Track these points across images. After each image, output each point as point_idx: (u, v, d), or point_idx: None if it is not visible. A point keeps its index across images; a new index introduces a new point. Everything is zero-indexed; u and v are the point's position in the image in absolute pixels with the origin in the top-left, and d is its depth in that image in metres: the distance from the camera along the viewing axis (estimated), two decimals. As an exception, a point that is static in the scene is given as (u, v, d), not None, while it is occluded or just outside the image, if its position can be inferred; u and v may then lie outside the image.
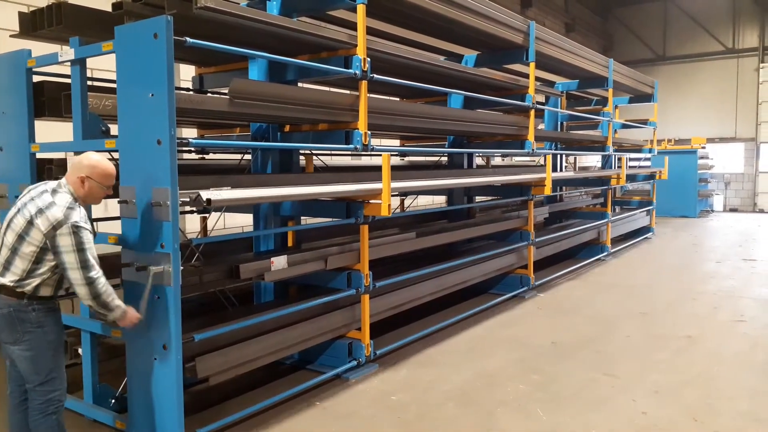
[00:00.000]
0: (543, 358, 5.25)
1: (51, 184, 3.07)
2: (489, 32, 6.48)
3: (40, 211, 2.91)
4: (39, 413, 3.02)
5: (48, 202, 2.94)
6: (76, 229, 2.89)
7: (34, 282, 2.94)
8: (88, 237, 2.94)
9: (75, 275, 2.91)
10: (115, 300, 3.04)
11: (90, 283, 2.92)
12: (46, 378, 3.00)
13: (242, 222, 8.15)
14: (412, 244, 5.87)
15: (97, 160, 3.09)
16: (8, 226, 3.00)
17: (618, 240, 11.70)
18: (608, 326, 6.24)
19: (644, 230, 13.03)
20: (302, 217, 5.58)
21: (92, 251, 2.96)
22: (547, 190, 7.32)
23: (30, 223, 2.92)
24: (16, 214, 2.99)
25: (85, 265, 2.91)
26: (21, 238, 2.93)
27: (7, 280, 2.94)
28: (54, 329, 3.06)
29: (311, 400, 4.29)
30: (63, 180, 3.07)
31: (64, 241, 2.88)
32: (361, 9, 4.60)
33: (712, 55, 21.03)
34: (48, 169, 4.02)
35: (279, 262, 4.33)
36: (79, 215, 2.94)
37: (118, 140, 3.48)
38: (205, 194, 3.31)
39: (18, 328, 2.95)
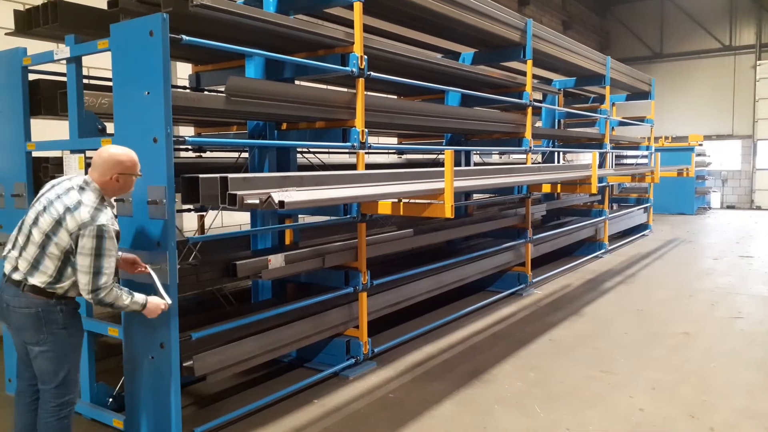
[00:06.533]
0: (540, 355, 5.26)
1: (76, 180, 2.97)
2: (486, 30, 6.48)
3: (68, 210, 2.82)
4: (51, 416, 2.94)
5: (76, 200, 2.85)
6: (100, 233, 2.80)
7: (66, 284, 2.88)
8: (110, 244, 2.84)
9: (83, 279, 2.81)
10: (124, 301, 2.93)
11: (94, 291, 2.82)
12: (63, 380, 2.93)
13: (240, 220, 8.15)
14: (410, 242, 5.87)
15: (121, 153, 2.99)
16: (34, 222, 2.89)
17: (615, 237, 11.71)
18: (605, 323, 6.25)
19: (641, 227, 13.05)
20: (299, 215, 5.58)
21: (111, 260, 2.85)
22: (593, 189, 7.21)
23: (59, 223, 2.82)
24: (43, 212, 2.87)
25: (97, 272, 2.81)
26: (48, 237, 2.84)
27: (37, 280, 2.85)
28: (77, 331, 3.00)
29: (309, 398, 4.29)
30: (88, 177, 2.96)
31: (85, 243, 2.79)
32: (357, 7, 4.60)
33: (709, 52, 21.05)
34: (44, 168, 4.02)
35: (276, 260, 4.33)
36: (106, 217, 2.85)
37: (114, 138, 3.47)
38: (277, 196, 3.15)
39: (43, 328, 2.87)
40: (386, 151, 8.67)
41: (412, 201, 4.41)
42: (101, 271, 2.82)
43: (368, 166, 5.68)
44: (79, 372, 3.06)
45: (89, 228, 2.79)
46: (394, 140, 9.66)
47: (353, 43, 4.65)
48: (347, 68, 4.62)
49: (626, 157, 15.20)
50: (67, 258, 2.86)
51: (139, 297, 3.01)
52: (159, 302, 3.10)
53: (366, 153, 4.84)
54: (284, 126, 5.13)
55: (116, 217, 2.98)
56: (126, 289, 2.97)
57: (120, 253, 3.23)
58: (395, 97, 7.89)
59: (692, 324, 6.22)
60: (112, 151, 3.00)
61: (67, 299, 2.94)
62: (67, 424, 2.99)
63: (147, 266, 3.27)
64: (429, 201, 4.32)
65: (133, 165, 3.03)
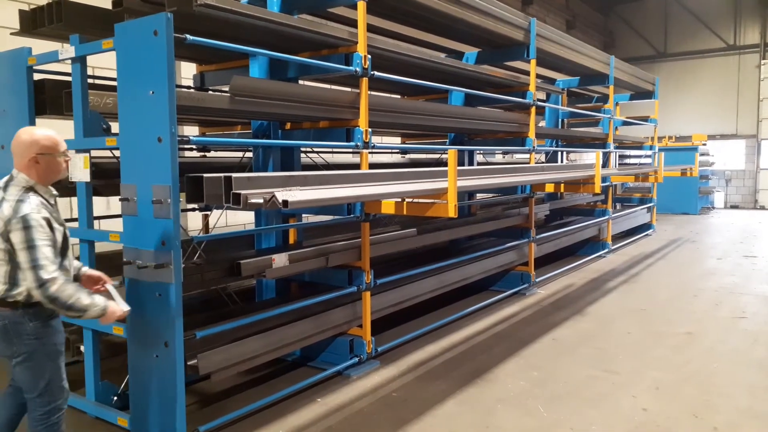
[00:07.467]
0: (543, 354, 5.26)
1: (4, 178, 2.83)
2: (490, 29, 6.47)
3: None
4: (40, 423, 2.86)
5: None
6: (26, 223, 2.61)
7: (24, 290, 2.70)
8: (41, 232, 2.64)
9: (28, 276, 2.61)
10: (82, 300, 2.68)
11: (41, 285, 2.59)
12: (45, 389, 2.82)
13: (244, 220, 8.17)
14: (413, 241, 5.88)
15: (37, 133, 2.80)
16: None
17: (619, 237, 11.70)
18: (608, 323, 6.25)
19: (645, 227, 13.03)
20: (303, 215, 5.59)
21: (45, 249, 2.63)
22: (597, 189, 7.17)
23: None
24: None
25: (35, 265, 2.59)
26: None
27: None
28: (53, 339, 2.84)
29: (313, 396, 4.30)
30: (14, 170, 2.80)
31: (16, 238, 2.62)
32: (361, 6, 4.60)
33: (713, 51, 20.99)
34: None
35: (280, 259, 4.34)
36: (30, 206, 2.66)
37: (119, 138, 3.49)
38: (281, 195, 3.10)
39: (14, 341, 2.75)
40: (390, 150, 8.68)
41: (415, 200, 4.41)
42: (38, 264, 2.60)
43: (372, 166, 5.69)
44: (64, 378, 2.92)
45: (13, 222, 2.63)
46: (397, 140, 9.66)
47: (357, 42, 4.66)
48: (351, 68, 4.63)
49: (630, 156, 15.19)
50: (14, 260, 2.69)
51: (100, 299, 2.80)
52: (117, 308, 2.88)
53: (369, 152, 4.85)
54: (288, 126, 5.15)
55: (49, 204, 2.80)
56: (86, 290, 2.80)
57: (85, 268, 3.13)
58: (399, 96, 7.89)
59: (695, 324, 6.21)
60: (29, 131, 2.82)
61: (36, 307, 2.75)
62: (57, 428, 2.91)
63: (107, 282, 3.12)
64: (432, 200, 4.32)
65: (53, 144, 2.81)
